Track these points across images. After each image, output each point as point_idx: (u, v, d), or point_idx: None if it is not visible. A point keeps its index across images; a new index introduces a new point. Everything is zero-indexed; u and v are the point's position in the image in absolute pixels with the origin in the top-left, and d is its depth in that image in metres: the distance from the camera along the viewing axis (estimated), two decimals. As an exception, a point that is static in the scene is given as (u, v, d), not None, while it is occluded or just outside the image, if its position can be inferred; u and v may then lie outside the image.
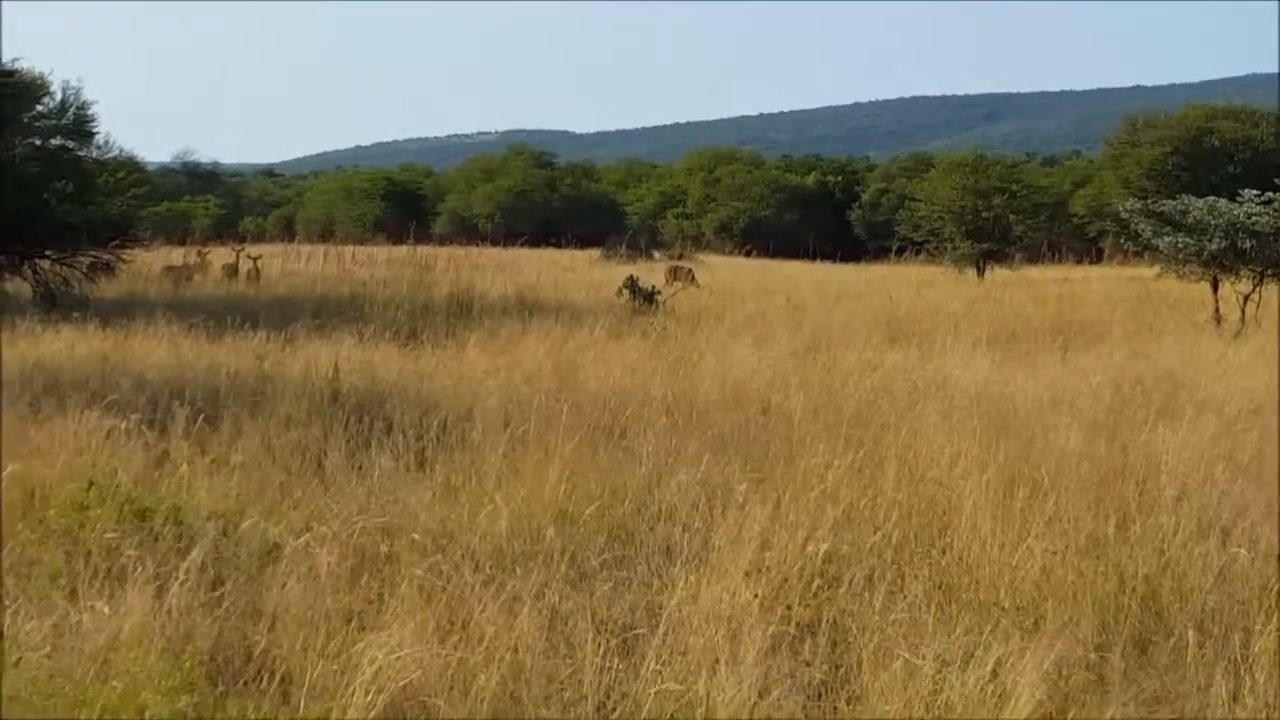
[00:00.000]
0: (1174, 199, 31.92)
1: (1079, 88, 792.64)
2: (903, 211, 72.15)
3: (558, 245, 66.90)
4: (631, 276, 33.91)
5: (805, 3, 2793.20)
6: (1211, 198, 30.72)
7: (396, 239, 65.54)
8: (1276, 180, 30.81)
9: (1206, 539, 10.02)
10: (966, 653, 7.78)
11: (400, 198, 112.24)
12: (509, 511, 10.48)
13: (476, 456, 12.33)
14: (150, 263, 38.24)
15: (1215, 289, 30.05)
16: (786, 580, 9.21)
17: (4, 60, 31.94)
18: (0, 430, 12.49)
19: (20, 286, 31.65)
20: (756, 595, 8.77)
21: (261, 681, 7.65)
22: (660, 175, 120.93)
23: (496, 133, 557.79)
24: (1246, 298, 28.96)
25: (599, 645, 7.88)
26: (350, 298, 31.06)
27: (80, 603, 8.45)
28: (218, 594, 8.73)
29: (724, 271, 52.12)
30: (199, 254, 41.67)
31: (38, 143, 33.55)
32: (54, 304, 28.55)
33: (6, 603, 8.42)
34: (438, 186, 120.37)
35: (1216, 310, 29.19)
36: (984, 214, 59.67)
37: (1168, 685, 7.92)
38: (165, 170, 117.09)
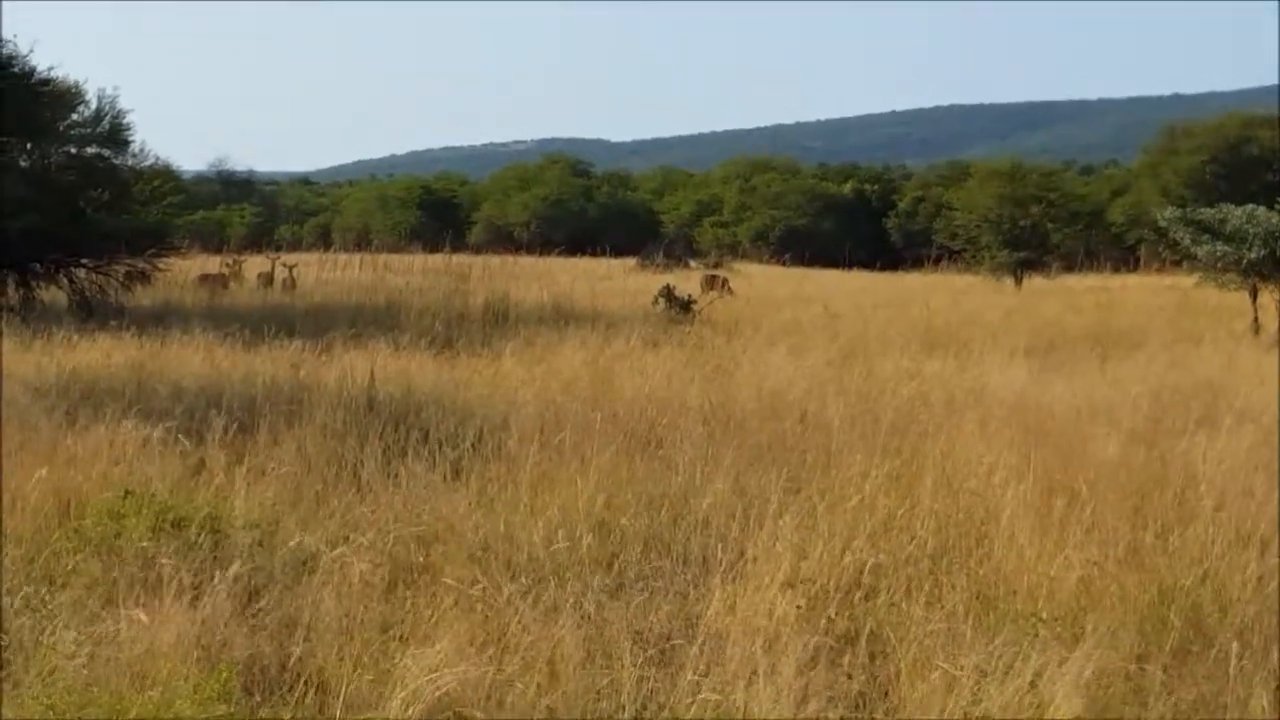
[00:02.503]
0: (1212, 207, 31.78)
1: (1117, 96, 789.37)
2: (940, 220, 72.22)
3: (594, 254, 66.96)
4: (667, 285, 33.87)
5: (840, 11, 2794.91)
6: (1250, 206, 30.56)
7: (432, 247, 65.61)
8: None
9: (1246, 549, 9.96)
10: (1005, 663, 7.74)
11: (436, 206, 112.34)
12: (545, 521, 10.47)
13: (513, 466, 12.31)
14: (186, 271, 38.28)
15: (1254, 298, 29.91)
16: (824, 590, 9.18)
17: (36, 65, 32.04)
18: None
19: (57, 295, 31.74)
20: (795, 605, 8.75)
21: (297, 691, 7.64)
22: (696, 184, 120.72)
23: (532, 141, 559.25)
24: (1286, 307, 28.84)
25: (636, 656, 7.86)
26: (386, 306, 31.07)
27: (117, 611, 8.46)
28: (254, 604, 8.72)
29: (760, 280, 52.07)
30: (228, 264, 41.67)
31: (74, 151, 33.62)
32: (90, 313, 28.61)
33: (44, 612, 8.42)
34: (473, 195, 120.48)
35: (1255, 319, 29.06)
36: (1021, 222, 59.54)
37: (1207, 697, 7.86)
38: (201, 178, 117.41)
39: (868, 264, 75.05)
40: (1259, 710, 7.68)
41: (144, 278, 32.98)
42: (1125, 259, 70.66)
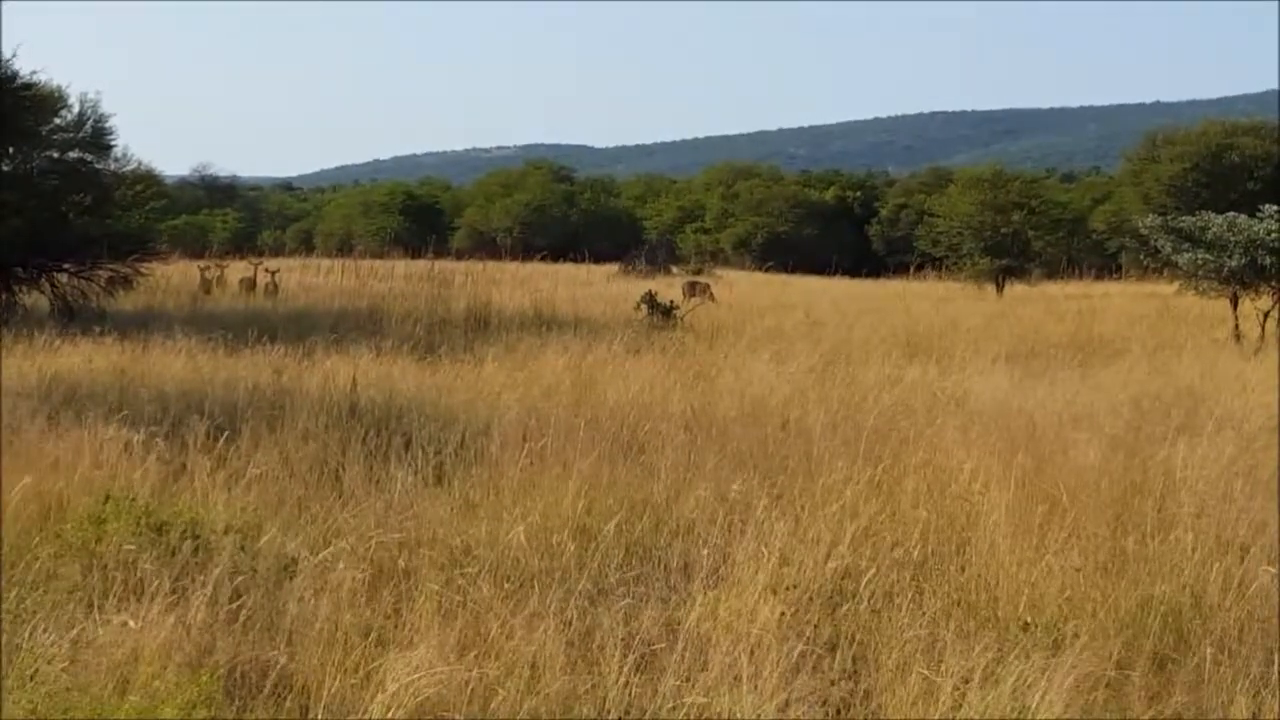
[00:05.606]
0: (1194, 215, 31.87)
1: (1099, 103, 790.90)
2: (922, 227, 72.22)
3: (576, 260, 66.89)
4: (649, 292, 33.91)
5: (823, 18, 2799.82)
6: (1231, 214, 30.66)
7: (415, 253, 65.52)
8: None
9: (1226, 555, 9.98)
10: (987, 670, 7.75)
11: (418, 212, 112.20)
12: (527, 526, 10.46)
13: (495, 471, 12.31)
14: (168, 276, 38.25)
15: (1235, 305, 29.98)
16: (806, 596, 9.19)
17: (19, 70, 31.97)
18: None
19: (38, 300, 31.67)
20: (776, 612, 8.75)
21: (279, 697, 7.64)
22: (679, 190, 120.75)
23: (515, 147, 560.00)
24: (1266, 314, 28.91)
25: (619, 661, 7.86)
26: (368, 312, 31.08)
27: (98, 616, 8.45)
28: (236, 608, 8.71)
29: (742, 287, 52.10)
30: (203, 269, 41.52)
31: (56, 156, 33.59)
32: (72, 317, 28.61)
33: (25, 616, 8.41)
34: (456, 201, 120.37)
35: (1236, 327, 29.12)
36: (1003, 230, 59.68)
37: (1189, 704, 7.88)
38: (183, 183, 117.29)
39: (850, 271, 75.12)
40: (1240, 717, 7.70)
41: (126, 282, 32.93)
42: (1107, 266, 70.73)
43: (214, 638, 8.23)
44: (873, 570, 9.59)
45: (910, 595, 9.40)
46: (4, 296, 30.76)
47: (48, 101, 33.03)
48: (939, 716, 7.45)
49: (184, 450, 12.73)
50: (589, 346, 22.39)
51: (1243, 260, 28.93)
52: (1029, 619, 8.79)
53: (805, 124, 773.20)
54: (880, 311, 36.10)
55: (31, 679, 7.47)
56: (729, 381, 18.89)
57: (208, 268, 41.99)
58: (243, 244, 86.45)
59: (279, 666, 7.92)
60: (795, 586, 9.25)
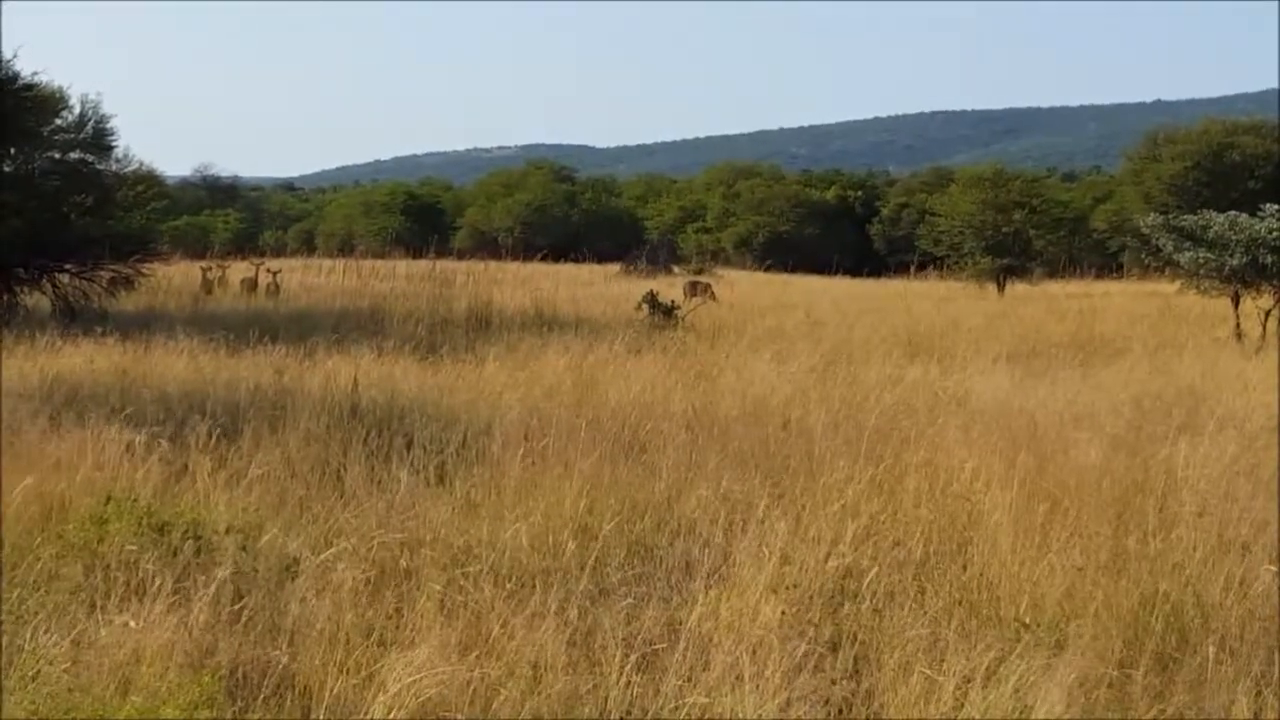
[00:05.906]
0: (1195, 214, 31.83)
1: (1100, 103, 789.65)
2: (923, 226, 72.22)
3: (577, 260, 66.94)
4: (651, 291, 33.88)
5: (824, 17, 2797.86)
6: (1232, 212, 30.61)
7: (416, 253, 65.48)
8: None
9: (1228, 554, 9.98)
10: (989, 669, 7.75)
11: (420, 212, 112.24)
12: (529, 526, 10.46)
13: (496, 471, 12.30)
14: (170, 277, 38.23)
15: (1236, 304, 29.93)
16: (807, 595, 9.19)
17: (20, 70, 31.96)
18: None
19: (40, 300, 31.66)
20: (778, 611, 8.75)
21: (281, 697, 7.63)
22: (680, 190, 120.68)
23: (516, 147, 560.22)
24: (1268, 313, 28.87)
25: (621, 660, 7.86)
26: (370, 312, 31.09)
27: (100, 617, 8.45)
28: (238, 609, 8.71)
29: (744, 286, 52.06)
30: (204, 270, 41.51)
31: (57, 156, 33.58)
32: (73, 318, 28.60)
33: (27, 617, 8.41)
34: (457, 201, 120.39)
35: (1237, 326, 29.08)
36: (1004, 229, 59.70)
37: (1190, 704, 7.87)
38: (185, 184, 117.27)
39: (851, 270, 75.09)
40: (1240, 717, 7.69)
41: (128, 283, 32.94)
42: (1108, 265, 70.75)
43: (216, 638, 8.23)
44: (874, 569, 9.58)
45: (912, 594, 9.41)
46: (5, 297, 30.75)
47: (49, 102, 33.02)
48: (941, 716, 7.45)
49: (186, 451, 12.73)
50: (590, 346, 22.37)
51: (1244, 259, 28.90)
52: (1030, 618, 8.79)
53: (806, 124, 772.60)
54: (881, 311, 36.08)
55: (33, 680, 7.47)
56: (730, 381, 18.88)
57: (209, 268, 41.99)
58: (244, 244, 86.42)
59: (281, 667, 7.92)
60: (797, 586, 9.26)
